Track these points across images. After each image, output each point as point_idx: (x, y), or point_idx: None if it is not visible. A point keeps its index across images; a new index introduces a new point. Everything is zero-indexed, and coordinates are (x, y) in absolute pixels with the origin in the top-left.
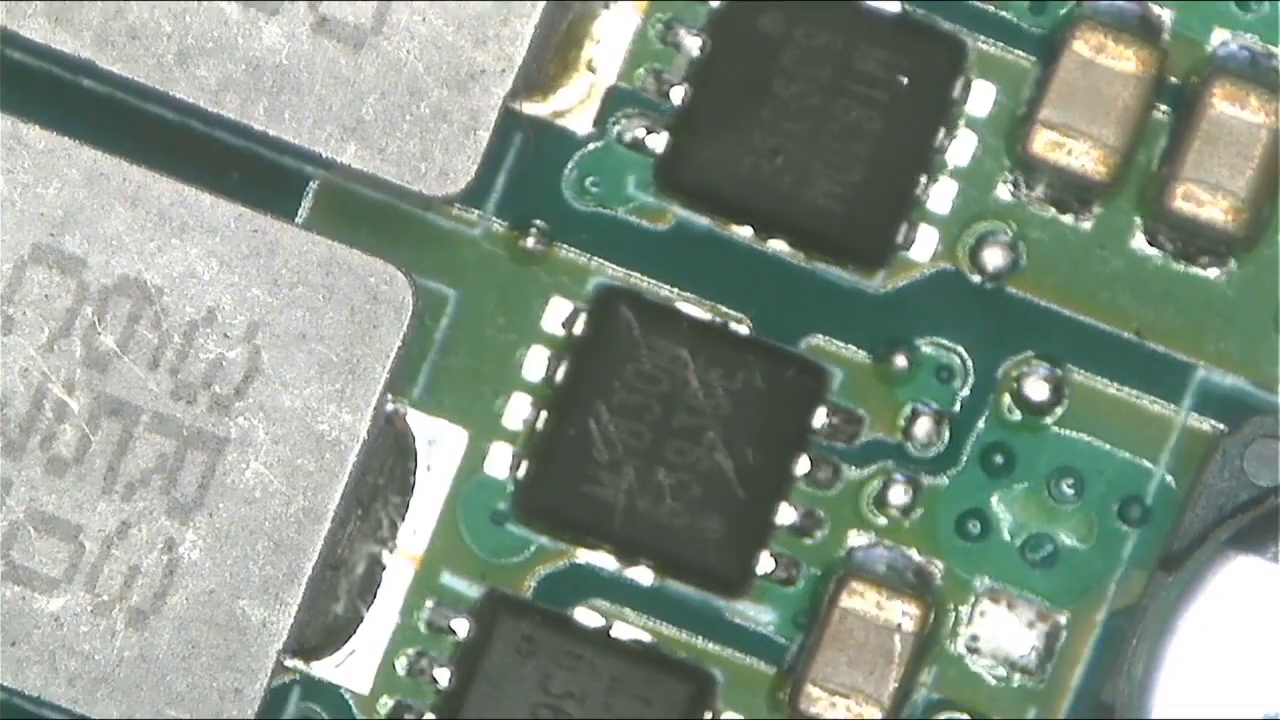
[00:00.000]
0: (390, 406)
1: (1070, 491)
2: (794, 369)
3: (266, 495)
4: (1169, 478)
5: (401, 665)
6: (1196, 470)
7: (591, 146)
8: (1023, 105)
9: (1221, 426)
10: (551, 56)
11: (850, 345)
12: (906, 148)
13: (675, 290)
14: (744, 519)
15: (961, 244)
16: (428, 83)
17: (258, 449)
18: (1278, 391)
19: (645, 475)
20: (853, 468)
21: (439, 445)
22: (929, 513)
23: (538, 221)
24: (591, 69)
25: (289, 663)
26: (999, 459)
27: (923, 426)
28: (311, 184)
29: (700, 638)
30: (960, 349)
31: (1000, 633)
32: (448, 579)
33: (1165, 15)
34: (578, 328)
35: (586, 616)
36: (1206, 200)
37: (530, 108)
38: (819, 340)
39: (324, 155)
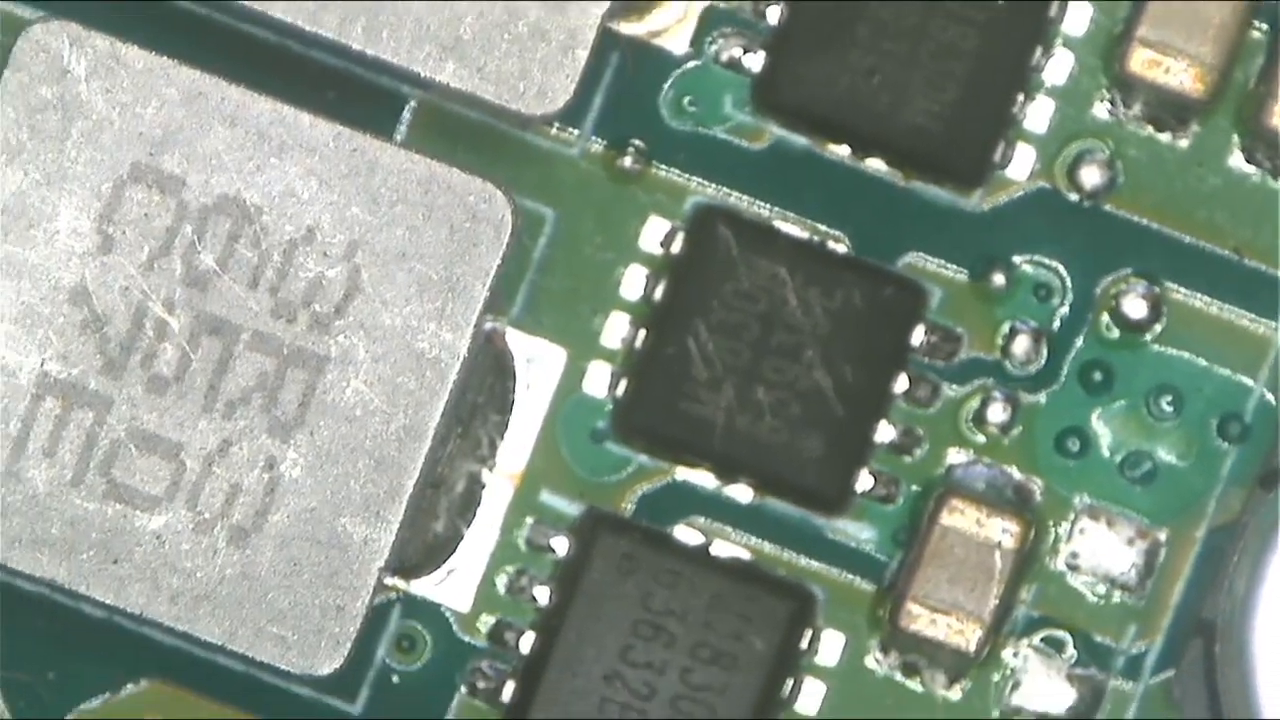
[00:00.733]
0: (489, 325)
1: (1169, 409)
2: (892, 287)
3: (367, 413)
4: (1268, 395)
5: (501, 583)
6: None
7: (688, 66)
8: (1120, 24)
9: None
10: None
11: (948, 263)
12: (1003, 67)
13: (773, 209)
14: (843, 437)
15: (1059, 162)
16: (525, 1)
17: (358, 367)
18: None
19: (744, 393)
20: (952, 386)
21: (538, 364)
22: (1028, 430)
23: (635, 141)
24: None
25: (389, 581)
26: (1098, 376)
27: (1021, 344)
28: (409, 104)
29: (800, 555)
30: (1058, 266)
31: (1100, 550)
32: (547, 497)
33: None
34: (675, 247)
35: (686, 534)
36: None
37: (627, 27)
38: (917, 258)
39: (422, 75)
